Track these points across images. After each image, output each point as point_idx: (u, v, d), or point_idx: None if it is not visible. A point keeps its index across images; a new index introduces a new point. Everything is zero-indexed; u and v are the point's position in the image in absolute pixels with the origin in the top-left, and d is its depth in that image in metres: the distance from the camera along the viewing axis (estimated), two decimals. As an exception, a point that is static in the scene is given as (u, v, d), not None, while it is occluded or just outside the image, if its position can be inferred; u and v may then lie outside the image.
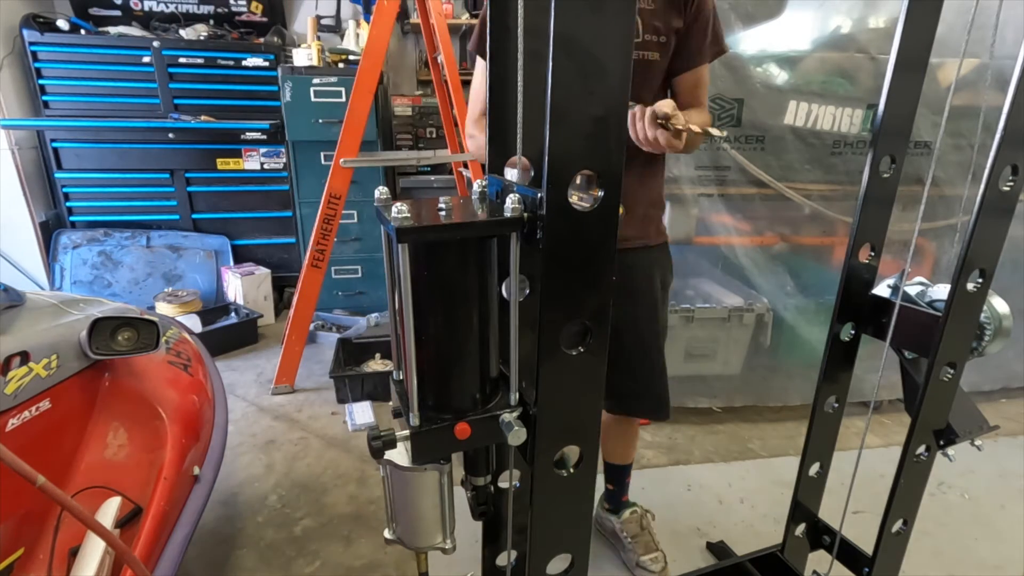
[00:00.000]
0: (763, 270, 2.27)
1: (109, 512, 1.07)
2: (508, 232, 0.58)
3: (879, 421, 2.40)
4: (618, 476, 1.65)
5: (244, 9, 3.39)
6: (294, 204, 3.37)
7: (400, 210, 0.55)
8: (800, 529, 1.28)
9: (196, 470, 1.23)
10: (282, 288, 3.61)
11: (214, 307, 3.26)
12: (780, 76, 2.11)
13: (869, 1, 2.14)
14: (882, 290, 1.08)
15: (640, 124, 1.04)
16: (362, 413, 2.40)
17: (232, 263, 3.43)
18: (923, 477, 1.05)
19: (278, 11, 3.52)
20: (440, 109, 3.19)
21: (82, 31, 3.07)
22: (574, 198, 0.54)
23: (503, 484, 0.80)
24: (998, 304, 0.95)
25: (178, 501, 1.15)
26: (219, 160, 3.31)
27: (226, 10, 3.37)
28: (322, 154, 3.20)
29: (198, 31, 3.22)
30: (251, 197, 3.44)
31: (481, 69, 1.29)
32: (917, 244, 1.65)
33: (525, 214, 0.58)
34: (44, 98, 3.09)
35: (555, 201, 0.55)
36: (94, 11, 3.20)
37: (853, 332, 1.12)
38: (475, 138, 1.31)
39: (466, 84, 3.37)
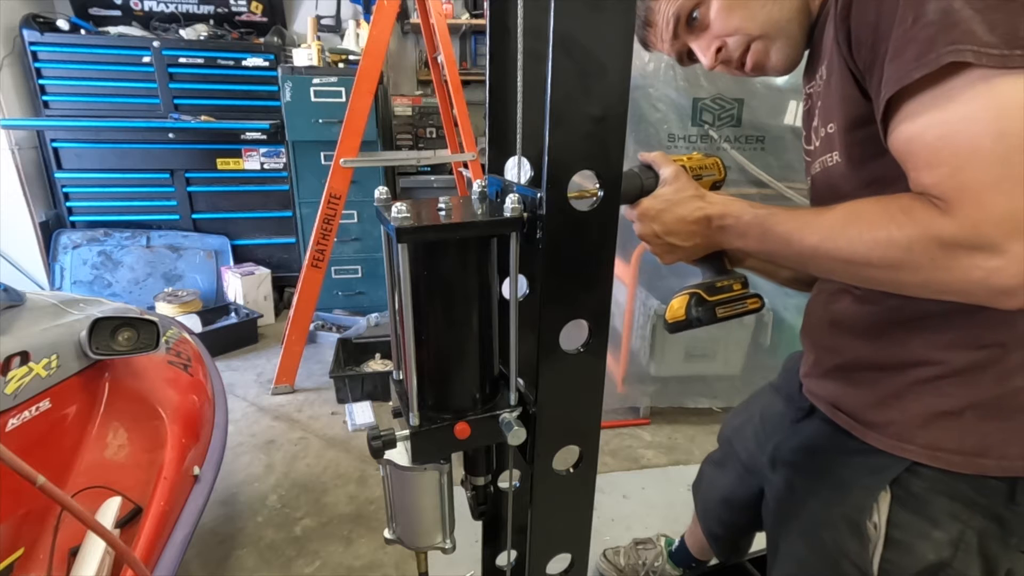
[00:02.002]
0: (763, 270, 2.27)
1: (109, 512, 1.07)
2: (508, 232, 0.58)
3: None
4: None
5: (244, 9, 3.39)
6: (294, 204, 3.37)
7: (400, 210, 0.55)
8: (800, 529, 1.27)
9: (196, 470, 1.23)
10: (282, 288, 3.60)
11: (214, 307, 3.25)
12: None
13: None
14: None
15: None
16: (362, 413, 2.40)
17: (232, 263, 3.43)
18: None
19: (278, 11, 3.52)
20: (440, 109, 3.18)
21: (82, 31, 3.07)
22: None
23: (503, 484, 0.80)
24: None
25: (178, 501, 1.15)
26: (219, 160, 3.30)
27: (226, 10, 3.37)
28: (322, 154, 3.19)
29: (198, 31, 3.21)
30: (251, 197, 3.44)
31: None
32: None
33: (525, 214, 0.58)
34: (44, 98, 3.09)
35: (555, 201, 0.55)
36: (94, 11, 3.20)
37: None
38: None
39: (466, 84, 3.39)
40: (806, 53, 0.79)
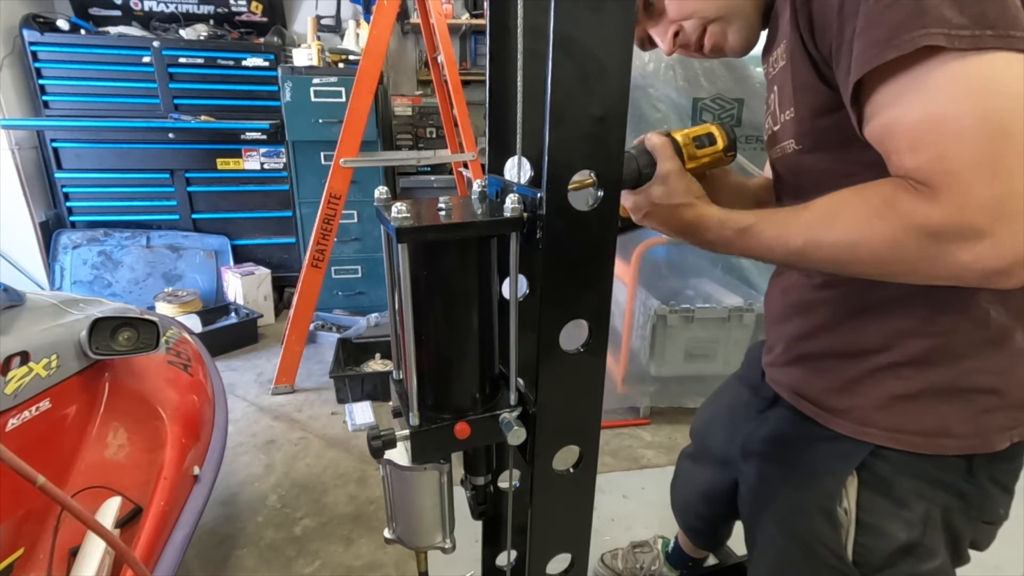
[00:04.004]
0: (763, 270, 2.27)
1: (109, 512, 1.07)
2: (508, 232, 0.58)
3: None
4: None
5: (244, 9, 3.38)
6: (294, 204, 3.37)
7: (400, 210, 0.55)
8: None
9: (196, 470, 1.23)
10: (282, 288, 3.60)
11: (214, 307, 3.25)
12: (780, 76, 2.11)
13: None
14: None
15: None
16: (362, 413, 2.40)
17: (232, 263, 3.42)
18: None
19: (278, 11, 3.52)
20: (440, 109, 3.18)
21: (82, 31, 3.07)
22: None
23: (503, 484, 0.80)
24: None
25: (178, 501, 1.15)
26: (219, 160, 3.30)
27: (226, 10, 3.36)
28: (322, 154, 3.19)
29: (198, 31, 3.21)
30: (251, 197, 3.44)
31: None
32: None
33: (525, 214, 0.58)
34: (44, 98, 3.08)
35: (555, 201, 0.55)
36: (94, 11, 3.20)
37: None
38: None
39: (466, 84, 3.39)
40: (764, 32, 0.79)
